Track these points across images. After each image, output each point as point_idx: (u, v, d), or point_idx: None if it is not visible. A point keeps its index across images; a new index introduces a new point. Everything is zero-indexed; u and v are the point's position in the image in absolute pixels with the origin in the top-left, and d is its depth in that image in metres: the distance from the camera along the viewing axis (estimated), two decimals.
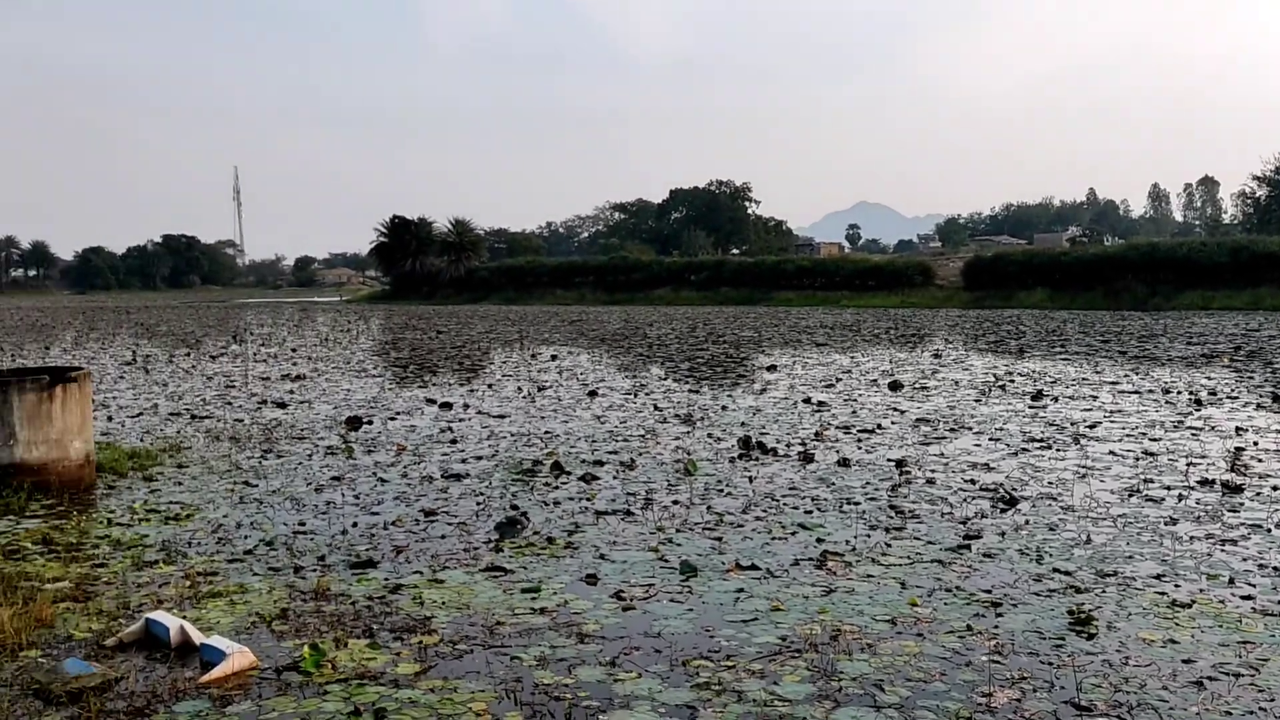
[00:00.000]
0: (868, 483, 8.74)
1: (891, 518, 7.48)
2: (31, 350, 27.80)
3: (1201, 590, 5.70)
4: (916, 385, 16.30)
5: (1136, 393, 14.97)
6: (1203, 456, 9.73)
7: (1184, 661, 4.66)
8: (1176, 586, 5.77)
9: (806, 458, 9.85)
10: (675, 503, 8.05)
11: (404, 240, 76.09)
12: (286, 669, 4.62)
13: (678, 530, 7.18)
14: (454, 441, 11.16)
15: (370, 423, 12.68)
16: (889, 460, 9.74)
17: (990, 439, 10.98)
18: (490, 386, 17.02)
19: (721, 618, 5.32)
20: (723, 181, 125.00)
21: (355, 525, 7.41)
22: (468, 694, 4.35)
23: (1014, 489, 8.35)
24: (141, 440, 11.44)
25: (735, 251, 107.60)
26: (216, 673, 4.51)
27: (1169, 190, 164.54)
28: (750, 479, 8.94)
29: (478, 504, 8.08)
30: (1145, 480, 8.66)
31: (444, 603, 5.59)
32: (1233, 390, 15.13)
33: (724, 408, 13.83)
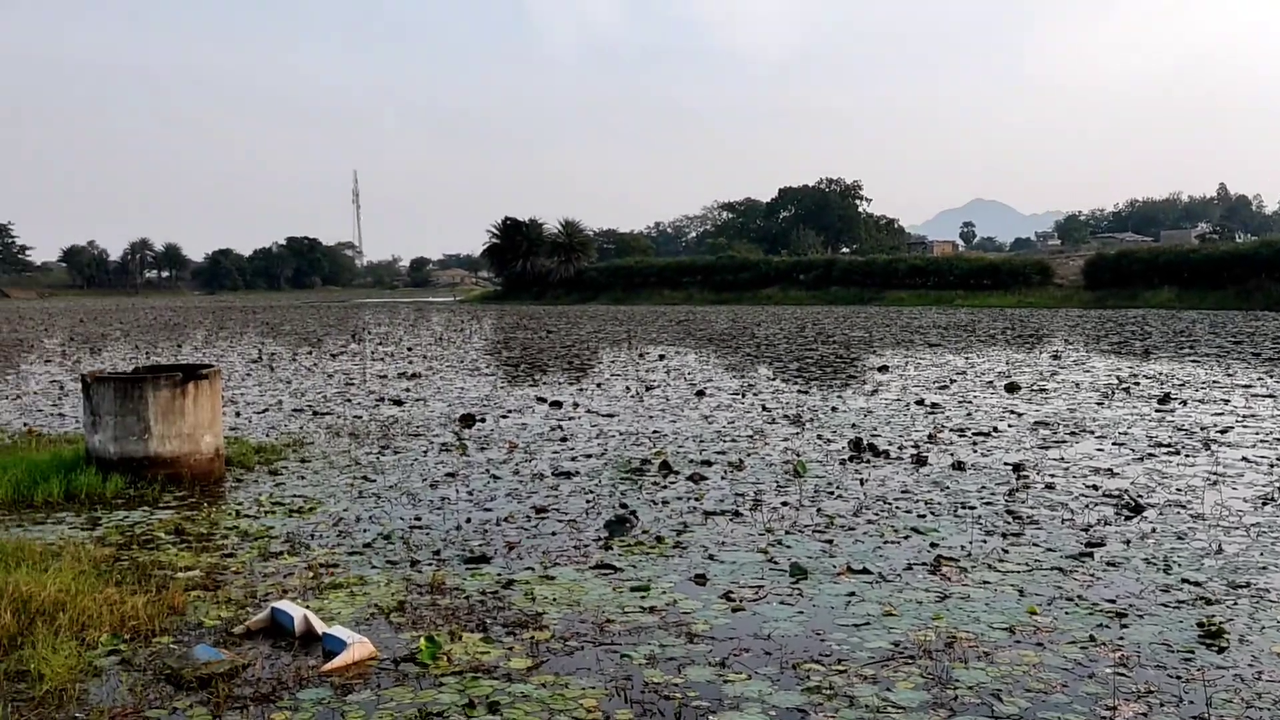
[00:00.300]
0: (983, 487, 8.53)
1: (1009, 523, 7.29)
2: (165, 348, 29.14)
3: None
4: (1035, 387, 15.84)
5: (1271, 396, 14.26)
6: None
7: None
8: None
9: (920, 460, 9.67)
10: (784, 504, 7.99)
11: (515, 241, 77.25)
12: (404, 660, 4.74)
13: (787, 532, 7.12)
14: (564, 440, 11.29)
15: (483, 420, 12.92)
16: (1006, 464, 9.48)
17: (1114, 443, 10.60)
18: (599, 385, 17.16)
19: (832, 621, 5.26)
20: (833, 179, 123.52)
21: (469, 521, 7.56)
22: (578, 690, 4.40)
23: (1140, 496, 8.04)
24: (267, 435, 11.88)
25: (845, 251, 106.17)
26: (338, 662, 4.66)
27: None
28: (861, 481, 8.82)
29: (587, 502, 8.16)
30: None
31: (555, 599, 5.66)
32: None
33: (834, 409, 13.67)
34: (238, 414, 13.87)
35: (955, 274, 55.52)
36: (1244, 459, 9.57)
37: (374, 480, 9.14)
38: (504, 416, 13.37)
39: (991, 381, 16.82)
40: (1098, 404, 13.73)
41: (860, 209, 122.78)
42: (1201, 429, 11.38)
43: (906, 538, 6.92)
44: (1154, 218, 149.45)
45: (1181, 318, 36.25)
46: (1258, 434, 10.98)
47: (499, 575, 6.14)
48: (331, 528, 7.39)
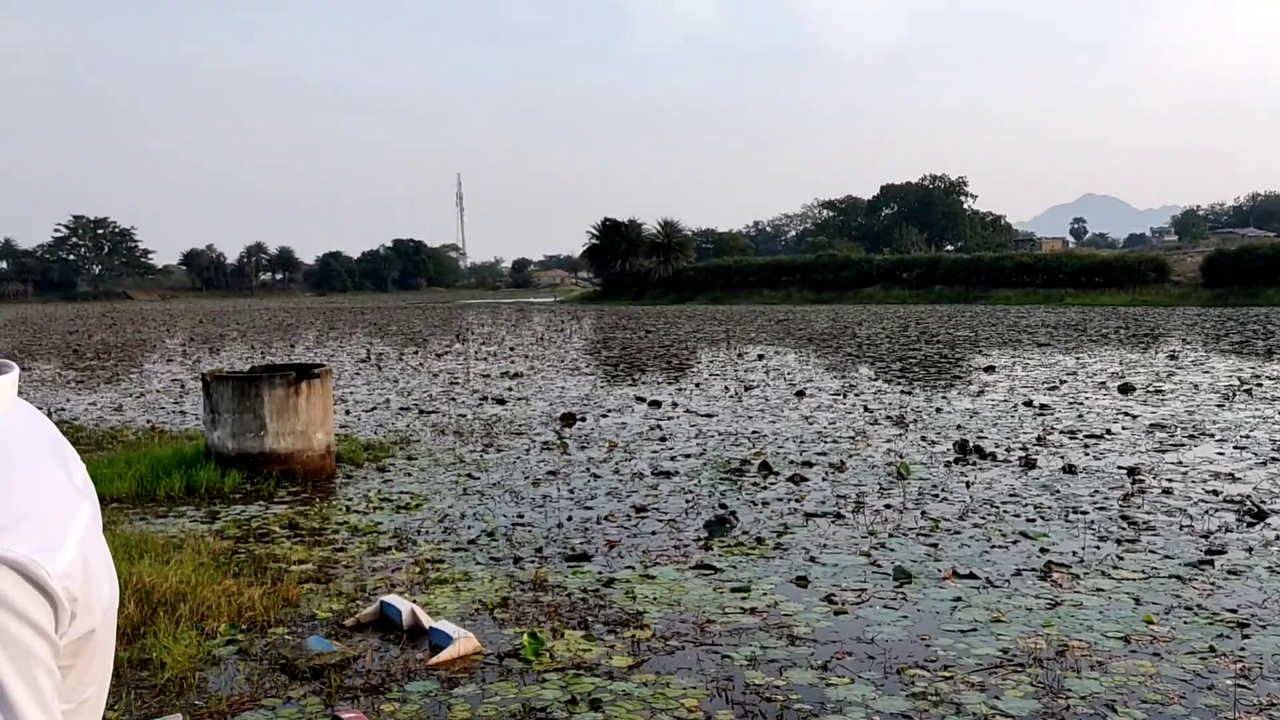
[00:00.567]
0: (1096, 491, 8.27)
1: (1123, 529, 7.05)
2: (278, 348, 30.13)
3: None
4: (1150, 388, 15.28)
5: None
6: None
7: None
8: None
9: (1028, 463, 9.42)
10: (887, 507, 7.87)
11: (614, 242, 77.73)
12: (508, 655, 4.81)
13: (890, 535, 7.01)
14: (663, 439, 11.32)
15: (583, 419, 13.03)
16: (1120, 468, 9.17)
17: (1235, 447, 10.16)
18: (698, 385, 17.15)
19: (938, 626, 5.16)
20: (936, 176, 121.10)
21: (570, 519, 7.64)
22: (679, 690, 4.40)
23: (1263, 501, 7.69)
24: (375, 433, 12.19)
25: (950, 248, 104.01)
26: (444, 655, 4.75)
27: None
28: (967, 484, 8.63)
29: (687, 502, 8.16)
30: None
31: (655, 598, 5.68)
32: None
33: (938, 410, 13.41)
34: (347, 412, 14.25)
35: (1065, 271, 53.94)
36: None
37: (478, 478, 9.30)
38: (604, 416, 13.46)
39: (1104, 382, 16.29)
40: (1217, 406, 13.18)
41: (965, 205, 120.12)
42: None
43: (1015, 542, 6.75)
44: (1278, 212, 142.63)
45: None
46: None
47: (600, 573, 6.19)
48: (437, 524, 7.54)
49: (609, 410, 14.07)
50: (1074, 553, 6.46)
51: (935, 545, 6.71)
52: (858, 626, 5.18)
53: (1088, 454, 9.94)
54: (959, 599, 5.58)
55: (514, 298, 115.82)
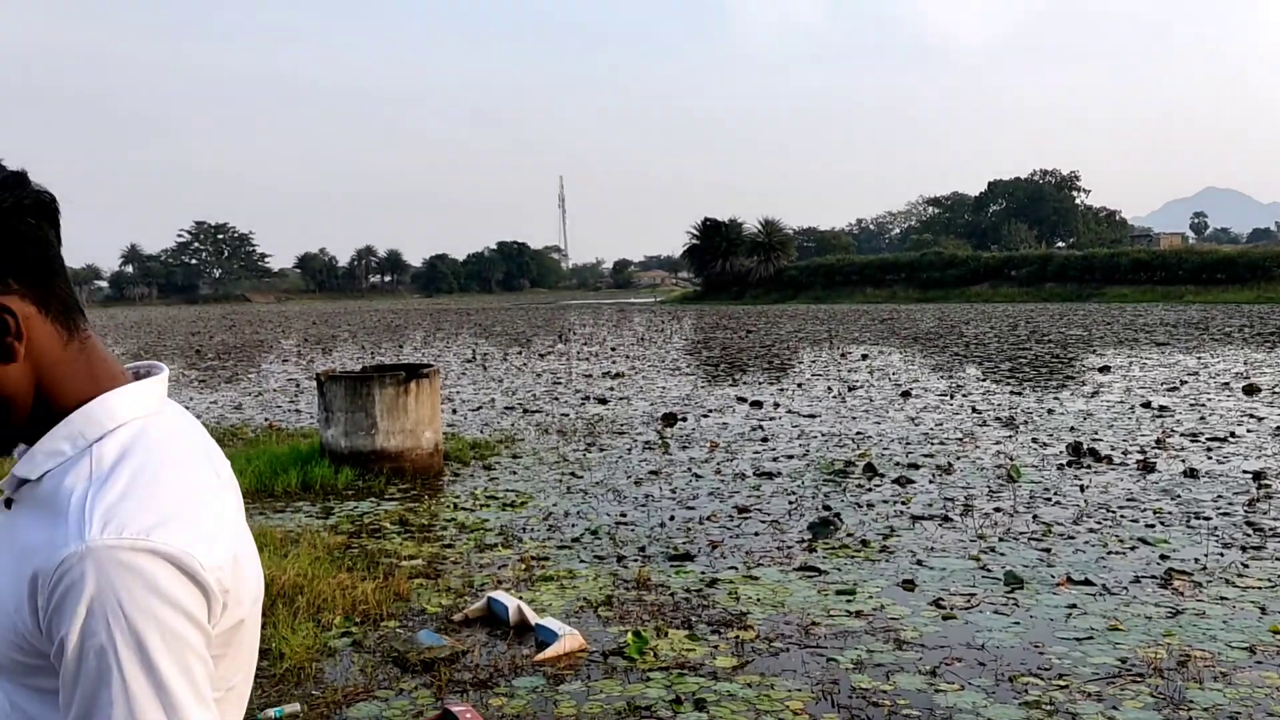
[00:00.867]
0: (1219, 496, 7.94)
1: (1248, 535, 6.75)
2: (388, 349, 30.89)
3: None
4: (1277, 389, 14.59)
5: None
6: None
7: None
8: None
9: (1146, 467, 9.09)
10: (997, 510, 7.69)
11: (714, 242, 77.52)
12: (612, 654, 4.85)
13: (1000, 539, 6.85)
14: (765, 440, 11.26)
15: (684, 419, 13.04)
16: (1245, 472, 8.79)
17: None
18: (800, 385, 17.01)
19: (1052, 634, 5.02)
20: (1047, 170, 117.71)
21: (672, 519, 7.66)
22: (784, 692, 4.38)
23: None
24: (481, 432, 12.41)
25: (1061, 245, 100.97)
26: (550, 652, 4.82)
27: None
28: (1082, 488, 8.37)
29: (790, 503, 8.10)
30: None
31: (759, 599, 5.66)
32: None
33: (1050, 411, 13.04)
34: (454, 411, 14.54)
35: (1185, 268, 51.85)
36: None
37: (581, 477, 9.40)
38: (705, 416, 13.45)
39: (1228, 383, 15.61)
40: None
41: (1077, 201, 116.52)
42: None
43: (1133, 548, 6.53)
44: None
45: None
46: None
47: (703, 573, 6.19)
48: (542, 522, 7.64)
49: (710, 410, 14.05)
50: (1196, 560, 6.22)
51: (1048, 550, 6.53)
52: (967, 632, 5.08)
53: (1210, 457, 9.55)
54: (1074, 606, 5.42)
55: (615, 298, 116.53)
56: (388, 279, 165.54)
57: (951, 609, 5.42)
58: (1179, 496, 7.95)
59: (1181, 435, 10.82)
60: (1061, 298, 53.94)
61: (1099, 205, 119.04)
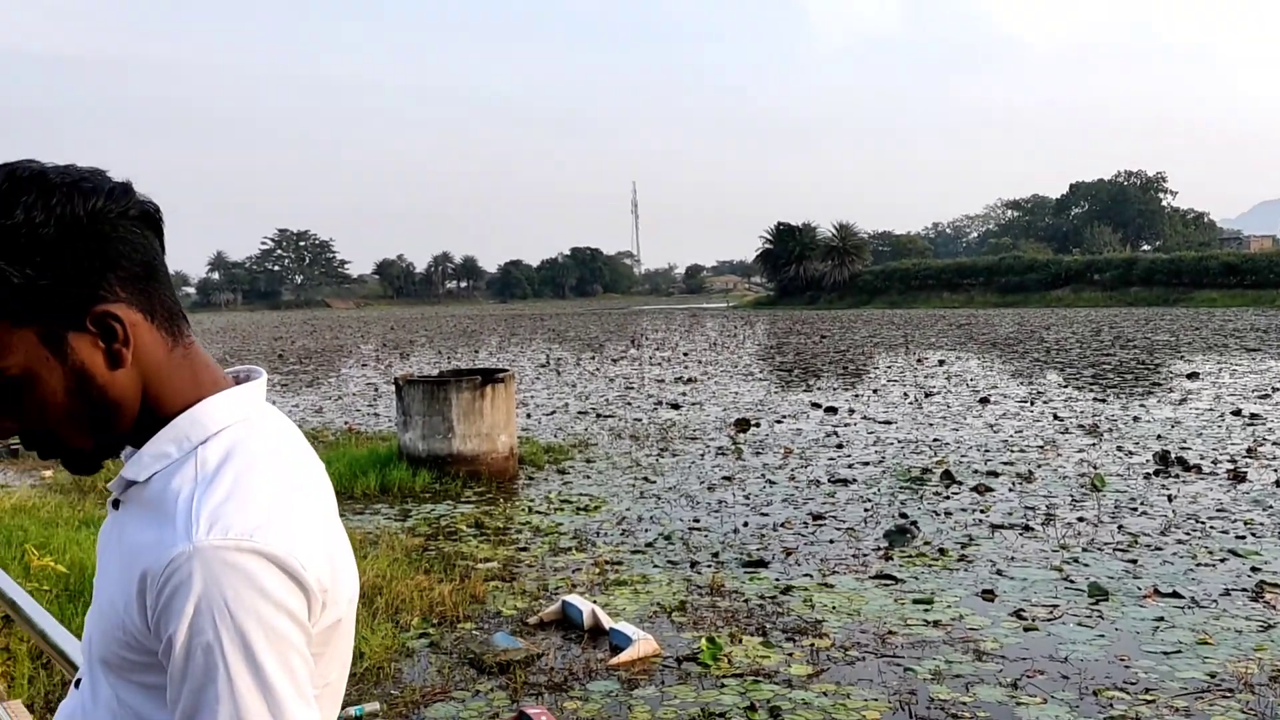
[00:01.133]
0: None
1: None
2: (463, 353, 31.29)
3: None
4: None
5: None
6: None
7: None
8: None
9: (1237, 476, 8.80)
10: (1080, 520, 7.51)
11: (788, 246, 77.05)
12: (686, 659, 4.85)
13: (1084, 549, 6.69)
14: (839, 446, 11.15)
15: (757, 425, 12.98)
16: None
17: None
18: (875, 391, 16.81)
19: (1138, 647, 4.89)
20: (1131, 172, 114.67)
21: (746, 525, 7.63)
22: (860, 701, 4.33)
23: None
24: (555, 436, 12.50)
25: (1147, 248, 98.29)
26: (624, 656, 4.83)
27: None
28: (1169, 498, 8.14)
29: (865, 510, 8.02)
30: None
31: (834, 607, 5.61)
32: None
33: (1135, 419, 12.70)
34: (528, 415, 14.66)
35: (1276, 272, 50.08)
36: None
37: (654, 481, 9.41)
38: (778, 422, 13.37)
39: None
40: None
41: (1163, 203, 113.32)
42: None
43: (1223, 560, 6.32)
44: None
45: None
46: None
47: (777, 580, 6.16)
48: (615, 526, 7.67)
49: (783, 416, 13.97)
50: None
51: (1134, 561, 6.37)
52: (1050, 644, 4.97)
53: None
54: (1161, 619, 5.28)
55: (687, 303, 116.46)
56: (463, 285, 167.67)
57: (1033, 620, 5.31)
58: (1271, 507, 7.69)
59: (1274, 444, 10.45)
60: (1147, 302, 52.54)
61: (1186, 207, 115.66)
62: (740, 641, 5.08)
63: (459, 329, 52.62)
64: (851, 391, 17.11)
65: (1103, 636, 5.05)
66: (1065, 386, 16.90)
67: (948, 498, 8.39)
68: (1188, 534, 6.99)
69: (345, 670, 0.96)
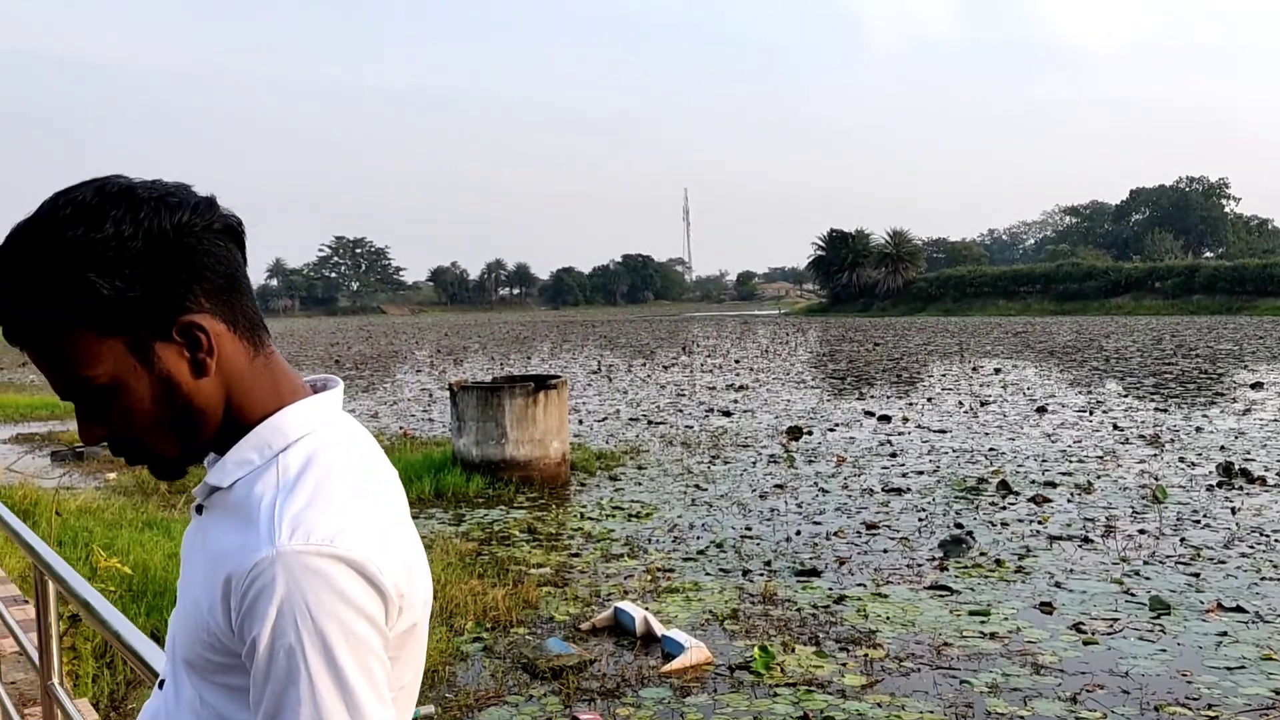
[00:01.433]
0: None
1: None
2: (516, 360, 31.49)
3: None
4: None
5: None
6: None
7: None
8: None
9: None
10: (1141, 532, 7.37)
11: (840, 253, 76.59)
12: (738, 668, 4.84)
13: (1145, 562, 6.57)
14: (893, 455, 11.06)
15: (810, 433, 12.91)
16: None
17: None
18: (929, 400, 16.64)
19: (1200, 662, 4.80)
20: (1194, 178, 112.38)
21: (798, 533, 7.59)
22: (915, 713, 4.30)
23: None
24: (606, 442, 12.54)
25: (1210, 255, 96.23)
26: (676, 664, 4.84)
27: None
28: (1233, 510, 7.97)
29: (920, 520, 7.94)
30: None
31: (888, 617, 5.57)
32: None
33: (1198, 429, 12.44)
34: (580, 422, 14.72)
35: None
36: None
37: (705, 489, 9.40)
38: (831, 430, 13.29)
39: None
40: None
41: (1226, 209, 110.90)
42: None
43: None
44: None
45: None
46: None
47: (830, 589, 6.12)
48: (667, 533, 7.68)
49: (836, 424, 13.88)
50: None
51: (1197, 575, 6.24)
52: (1110, 658, 4.89)
53: None
54: (1224, 633, 5.17)
55: (738, 310, 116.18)
56: (516, 292, 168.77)
57: (1093, 634, 5.23)
58: None
59: None
60: (1210, 310, 51.44)
61: (1250, 214, 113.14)
62: (793, 651, 5.06)
63: (511, 335, 52.97)
64: (905, 400, 16.95)
65: (1164, 651, 4.96)
66: (1125, 396, 16.61)
67: (1004, 508, 8.28)
68: (1252, 547, 6.84)
69: (419, 673, 0.99)
